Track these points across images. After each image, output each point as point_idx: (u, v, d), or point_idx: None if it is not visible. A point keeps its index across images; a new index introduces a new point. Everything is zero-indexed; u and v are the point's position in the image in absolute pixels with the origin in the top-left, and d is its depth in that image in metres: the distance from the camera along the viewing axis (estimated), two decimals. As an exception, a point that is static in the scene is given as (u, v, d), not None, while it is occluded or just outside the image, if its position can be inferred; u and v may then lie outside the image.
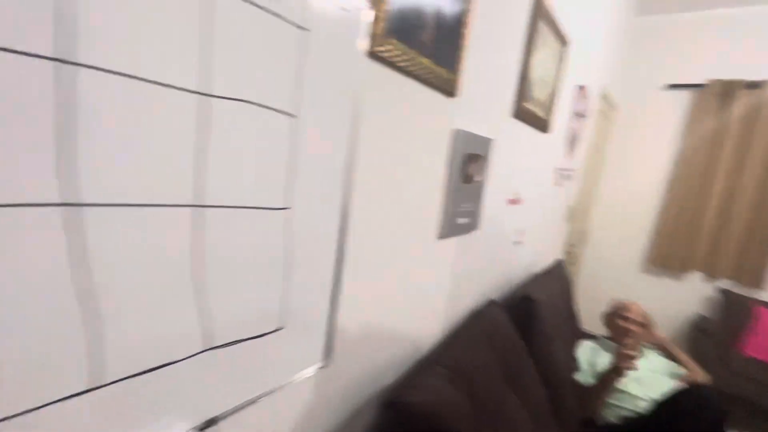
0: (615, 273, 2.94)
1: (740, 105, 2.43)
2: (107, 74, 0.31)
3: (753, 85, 2.40)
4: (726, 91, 2.47)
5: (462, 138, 0.97)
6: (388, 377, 0.93)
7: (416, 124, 0.80)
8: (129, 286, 0.37)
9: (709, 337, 2.37)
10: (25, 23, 0.26)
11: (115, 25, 0.31)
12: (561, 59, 1.51)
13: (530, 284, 1.55)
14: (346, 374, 0.79)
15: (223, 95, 0.41)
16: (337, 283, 0.66)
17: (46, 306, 0.31)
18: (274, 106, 0.47)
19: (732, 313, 2.42)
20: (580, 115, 2.00)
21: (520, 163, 1.41)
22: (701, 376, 1.61)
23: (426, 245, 0.95)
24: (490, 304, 1.24)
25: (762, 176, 2.42)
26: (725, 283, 2.57)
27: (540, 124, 1.47)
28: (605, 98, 2.46)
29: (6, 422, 0.31)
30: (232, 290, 0.48)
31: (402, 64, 0.70)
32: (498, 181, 1.25)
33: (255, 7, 0.42)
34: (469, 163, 1.04)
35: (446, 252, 1.06)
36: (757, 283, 2.46)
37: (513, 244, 1.57)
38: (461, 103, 0.94)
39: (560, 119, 1.72)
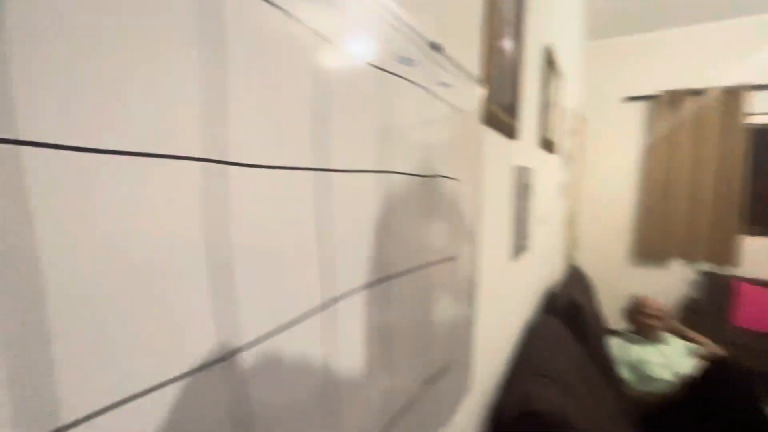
0: (605, 270, 3.19)
1: (688, 109, 2.81)
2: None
3: (696, 92, 2.79)
4: (675, 98, 2.85)
5: (520, 172, 1.11)
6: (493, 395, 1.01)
7: (500, 165, 0.93)
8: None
9: (701, 316, 2.62)
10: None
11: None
12: (558, 89, 1.72)
13: (566, 291, 1.70)
14: (478, 397, 0.86)
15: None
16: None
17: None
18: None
19: (716, 291, 2.70)
20: (572, 133, 2.23)
21: (543, 185, 1.58)
22: (717, 348, 1.81)
23: (503, 267, 1.06)
24: (547, 314, 1.36)
25: (717, 166, 2.77)
26: (704, 266, 2.87)
27: (551, 147, 1.65)
28: (576, 115, 2.75)
29: None
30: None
31: (496, 122, 0.83)
32: (534, 203, 1.40)
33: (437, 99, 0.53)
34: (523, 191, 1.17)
35: (515, 271, 1.18)
36: (730, 262, 2.77)
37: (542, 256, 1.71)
38: (518, 142, 1.08)
39: (561, 140, 1.92)
